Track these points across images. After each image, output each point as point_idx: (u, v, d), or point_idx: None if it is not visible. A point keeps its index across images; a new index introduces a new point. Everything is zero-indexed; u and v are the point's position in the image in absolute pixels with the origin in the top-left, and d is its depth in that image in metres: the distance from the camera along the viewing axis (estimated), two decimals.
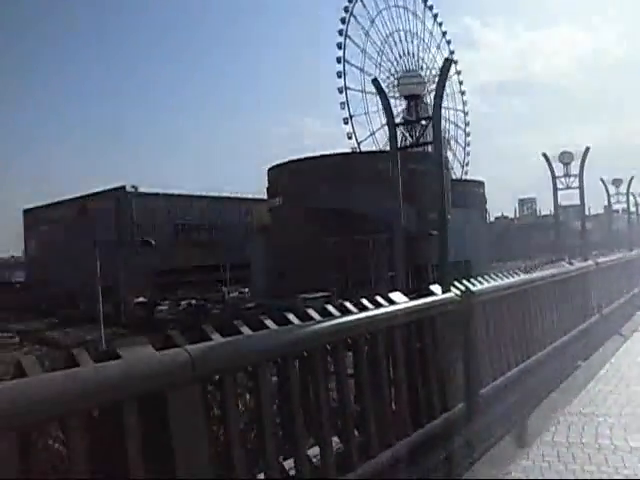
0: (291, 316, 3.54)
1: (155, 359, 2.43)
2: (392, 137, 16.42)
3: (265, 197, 79.15)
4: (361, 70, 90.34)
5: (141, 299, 69.17)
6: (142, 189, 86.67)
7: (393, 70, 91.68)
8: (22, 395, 1.99)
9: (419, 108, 50.48)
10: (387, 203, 62.39)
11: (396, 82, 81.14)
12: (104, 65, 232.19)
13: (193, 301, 66.90)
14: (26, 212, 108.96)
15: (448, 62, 12.25)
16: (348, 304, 4.01)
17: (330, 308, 3.88)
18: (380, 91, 16.31)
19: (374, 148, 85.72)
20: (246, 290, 76.42)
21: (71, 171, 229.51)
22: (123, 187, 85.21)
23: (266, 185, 79.03)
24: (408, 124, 31.63)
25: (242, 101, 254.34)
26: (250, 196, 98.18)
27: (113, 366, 2.27)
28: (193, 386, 2.50)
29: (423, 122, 24.65)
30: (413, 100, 54.81)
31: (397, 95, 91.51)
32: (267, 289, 66.45)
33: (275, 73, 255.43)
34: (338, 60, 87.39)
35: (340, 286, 63.87)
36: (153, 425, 2.44)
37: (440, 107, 14.63)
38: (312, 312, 3.71)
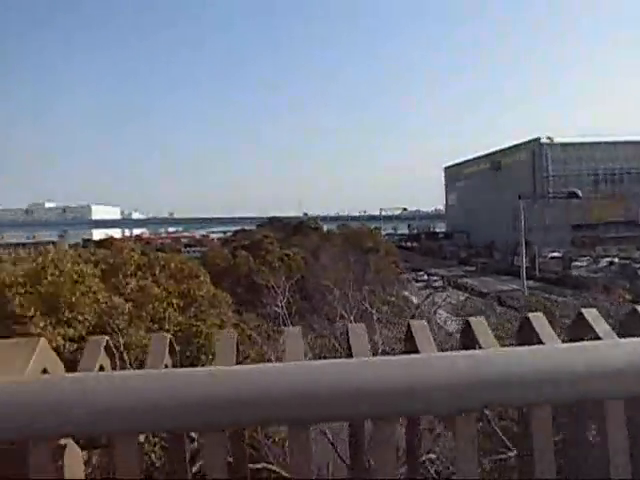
0: None
1: None
2: None
3: None
4: None
5: (556, 254, 67.30)
6: (557, 139, 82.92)
7: None
8: None
9: None
10: None
11: None
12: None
13: (615, 259, 61.00)
14: (446, 169, 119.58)
15: None
16: None
17: None
18: None
19: None
20: None
21: (482, 127, 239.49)
22: (537, 139, 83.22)
23: None
24: None
25: None
26: None
27: None
28: None
29: None
30: None
31: None
32: None
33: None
34: None
35: None
36: None
37: None
38: None
